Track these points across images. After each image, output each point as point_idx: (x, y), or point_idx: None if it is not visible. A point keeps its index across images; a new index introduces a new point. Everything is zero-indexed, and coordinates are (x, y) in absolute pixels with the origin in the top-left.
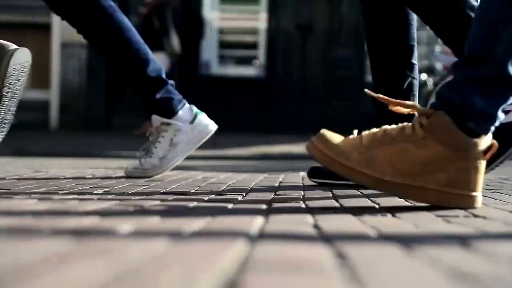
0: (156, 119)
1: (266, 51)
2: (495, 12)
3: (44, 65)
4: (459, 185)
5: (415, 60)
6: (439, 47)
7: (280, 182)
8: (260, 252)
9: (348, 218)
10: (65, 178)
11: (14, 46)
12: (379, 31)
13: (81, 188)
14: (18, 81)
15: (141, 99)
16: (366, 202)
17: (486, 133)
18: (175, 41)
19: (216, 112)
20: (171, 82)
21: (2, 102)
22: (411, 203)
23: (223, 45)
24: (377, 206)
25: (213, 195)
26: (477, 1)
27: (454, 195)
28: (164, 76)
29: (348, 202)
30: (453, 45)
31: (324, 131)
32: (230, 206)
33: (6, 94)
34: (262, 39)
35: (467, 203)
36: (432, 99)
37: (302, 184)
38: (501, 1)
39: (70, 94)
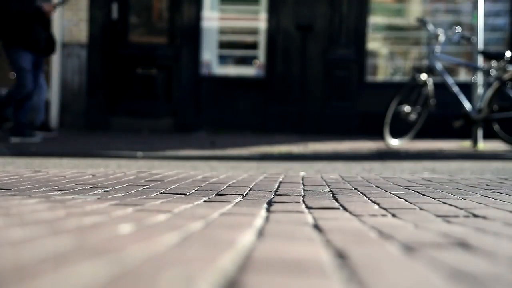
0: None
1: (266, 51)
2: None
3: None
4: None
5: None
6: (439, 47)
7: (280, 182)
8: (260, 252)
9: (348, 218)
10: (65, 178)
11: None
12: None
13: (81, 188)
14: None
15: None
16: (366, 202)
17: None
18: None
19: (216, 112)
20: None
21: None
22: (411, 202)
23: (223, 45)
24: (377, 206)
25: (213, 195)
26: None
27: None
28: None
29: (348, 202)
30: None
31: None
32: (230, 206)
33: None
34: (262, 39)
35: None
36: (432, 99)
37: (302, 184)
38: None
39: (70, 94)
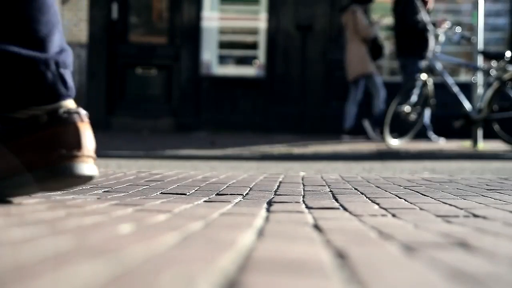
0: None
1: (266, 51)
2: None
3: None
4: None
5: None
6: (439, 47)
7: (280, 182)
8: (260, 252)
9: (348, 218)
10: None
11: None
12: None
13: (81, 188)
14: None
15: None
16: (366, 202)
17: None
18: None
19: (216, 112)
20: None
21: None
22: (411, 202)
23: (223, 45)
24: (377, 206)
25: (213, 195)
26: None
27: None
28: None
29: (348, 202)
30: None
31: None
32: (230, 206)
33: None
34: (262, 39)
35: None
36: (432, 99)
37: (302, 184)
38: None
39: None
